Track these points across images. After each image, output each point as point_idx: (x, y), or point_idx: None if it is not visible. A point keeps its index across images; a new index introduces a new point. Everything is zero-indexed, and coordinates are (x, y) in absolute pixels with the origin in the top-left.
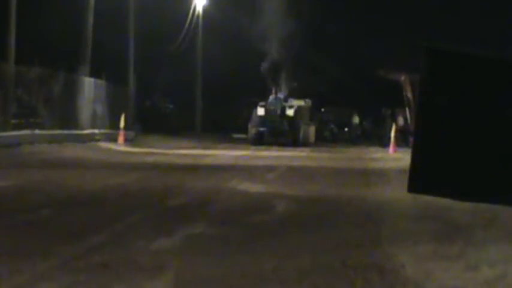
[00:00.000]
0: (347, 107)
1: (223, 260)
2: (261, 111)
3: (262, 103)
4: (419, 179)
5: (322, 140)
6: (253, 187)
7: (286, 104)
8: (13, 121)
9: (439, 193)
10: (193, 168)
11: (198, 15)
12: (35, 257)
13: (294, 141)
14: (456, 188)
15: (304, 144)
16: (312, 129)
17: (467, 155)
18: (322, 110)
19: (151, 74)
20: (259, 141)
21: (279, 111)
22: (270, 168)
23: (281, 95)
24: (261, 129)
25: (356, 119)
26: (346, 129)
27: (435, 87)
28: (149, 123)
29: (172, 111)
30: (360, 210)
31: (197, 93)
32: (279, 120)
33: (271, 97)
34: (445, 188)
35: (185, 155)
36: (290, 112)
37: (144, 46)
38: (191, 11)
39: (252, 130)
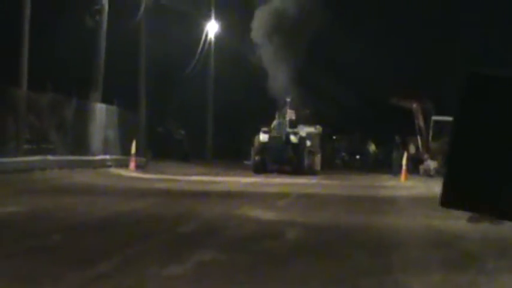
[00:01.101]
0: (359, 135)
1: (233, 286)
2: (263, 137)
3: (265, 129)
4: (452, 192)
5: (333, 168)
6: (264, 214)
7: (291, 130)
8: (25, 146)
9: (474, 209)
10: (204, 195)
11: (209, 42)
12: (44, 283)
13: (298, 169)
14: (491, 205)
15: (310, 172)
16: (318, 157)
17: (504, 173)
18: (334, 137)
19: (163, 100)
20: (262, 168)
21: (283, 138)
22: (281, 195)
23: (288, 120)
24: (264, 156)
25: (372, 147)
26: (357, 156)
27: (474, 110)
28: (161, 149)
29: (184, 137)
30: (371, 238)
31: (209, 119)
32: (283, 147)
33: (275, 122)
34: (479, 204)
35: (196, 182)
36: (294, 139)
37: (156, 72)
38: (203, 37)
39: (255, 157)
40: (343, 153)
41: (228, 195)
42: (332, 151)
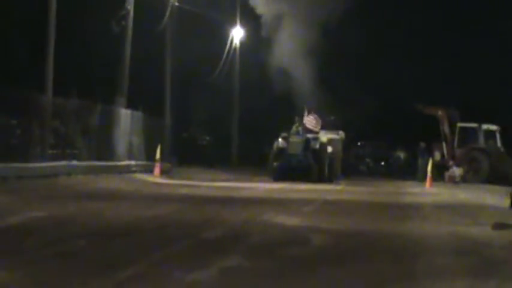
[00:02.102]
0: (384, 141)
1: None
2: (282, 143)
3: (284, 134)
4: None
5: (358, 174)
6: (289, 220)
7: (311, 136)
8: (50, 152)
9: None
10: (229, 201)
11: (235, 48)
12: None
13: (319, 177)
14: None
15: (331, 180)
16: (339, 164)
17: None
18: (359, 143)
19: (188, 105)
20: (281, 176)
21: (302, 144)
22: (306, 202)
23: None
24: (283, 163)
25: (401, 153)
26: (382, 163)
27: None
28: (185, 155)
29: (208, 143)
30: (397, 245)
31: (233, 125)
32: (303, 153)
33: (294, 127)
34: None
35: (221, 187)
36: (315, 145)
37: (181, 78)
38: (228, 43)
39: (273, 164)
40: (368, 160)
41: (252, 201)
42: (357, 157)
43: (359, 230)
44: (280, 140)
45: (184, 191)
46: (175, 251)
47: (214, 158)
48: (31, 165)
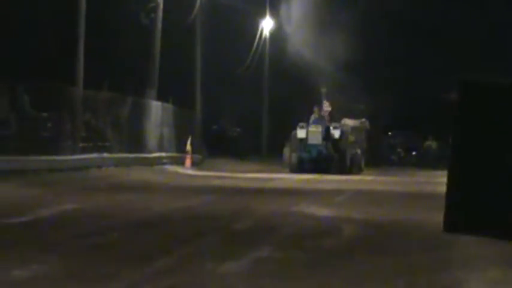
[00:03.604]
0: (415, 131)
1: (291, 284)
2: (301, 133)
3: (302, 124)
4: (456, 216)
5: (389, 164)
6: (321, 211)
7: (332, 125)
8: (81, 145)
9: (478, 232)
10: (260, 192)
11: (264, 39)
12: (103, 281)
13: (340, 168)
14: (496, 226)
15: (353, 170)
16: (362, 153)
17: (506, 191)
18: (390, 133)
19: (219, 97)
20: (299, 168)
21: (322, 133)
22: (337, 192)
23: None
24: (301, 154)
25: (432, 143)
26: (413, 152)
27: (473, 120)
28: (216, 146)
29: (239, 135)
30: (429, 234)
31: (264, 116)
32: (323, 143)
33: (313, 117)
34: (484, 226)
35: (252, 179)
36: (336, 134)
37: (211, 69)
38: (258, 34)
39: (292, 155)
40: (399, 150)
41: (283, 192)
42: (388, 147)
43: (391, 220)
44: (298, 129)
45: (215, 182)
46: (207, 243)
47: (245, 149)
48: (62, 158)
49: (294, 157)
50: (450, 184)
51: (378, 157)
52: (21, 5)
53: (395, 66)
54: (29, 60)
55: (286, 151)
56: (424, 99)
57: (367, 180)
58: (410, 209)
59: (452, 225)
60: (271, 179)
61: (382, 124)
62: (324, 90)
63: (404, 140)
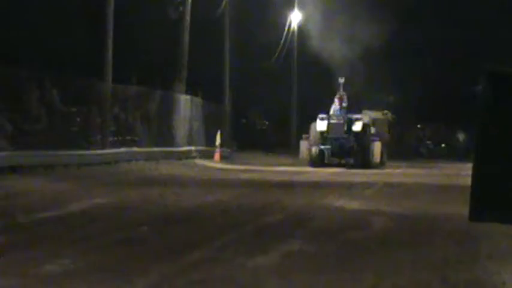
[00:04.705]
0: (445, 124)
1: (321, 277)
2: (321, 125)
3: (322, 115)
4: (481, 206)
5: (418, 157)
6: (350, 204)
7: (354, 117)
8: (110, 139)
9: (504, 220)
10: (290, 185)
11: (293, 32)
12: (134, 274)
13: (363, 161)
14: None
15: (375, 164)
16: (378, 147)
17: None
18: (419, 126)
19: (247, 91)
20: (320, 161)
21: (344, 126)
22: (366, 185)
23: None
24: (322, 147)
25: (462, 135)
26: (443, 145)
27: (497, 112)
28: (245, 140)
29: (267, 128)
30: (459, 227)
31: (292, 110)
32: (344, 136)
33: (334, 107)
34: (509, 215)
35: (281, 172)
36: (357, 126)
37: (240, 63)
38: (286, 27)
39: (312, 148)
40: (428, 142)
41: (313, 185)
42: (417, 140)
43: (420, 212)
44: (318, 121)
45: (244, 176)
46: (237, 236)
47: (274, 142)
48: (92, 152)
49: (315, 150)
50: (475, 175)
51: (406, 149)
52: (50, 1)
53: (425, 58)
54: (58, 55)
55: (303, 144)
56: (454, 91)
57: (396, 172)
58: (440, 201)
59: (477, 214)
60: (300, 172)
61: (411, 116)
62: (342, 80)
63: (433, 132)
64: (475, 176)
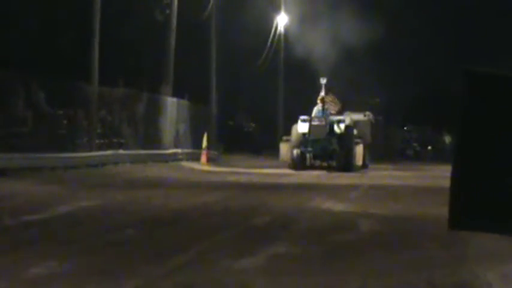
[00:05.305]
0: (431, 126)
1: (308, 279)
2: (303, 127)
3: (304, 117)
4: (461, 213)
5: (404, 159)
6: (337, 206)
7: (335, 119)
8: (97, 141)
9: (484, 228)
10: (276, 187)
11: (279, 34)
12: (120, 277)
13: (346, 165)
14: (503, 222)
15: (358, 167)
16: (360, 149)
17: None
18: (405, 128)
19: (234, 93)
20: (301, 164)
21: (326, 128)
22: (352, 187)
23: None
24: (304, 149)
25: (447, 137)
26: (429, 147)
27: (478, 113)
28: (232, 142)
29: (254, 130)
30: (445, 229)
31: (279, 112)
32: (326, 138)
33: (316, 109)
34: (490, 222)
35: (268, 174)
36: (339, 128)
37: (226, 65)
38: (273, 30)
39: (293, 151)
40: (415, 144)
41: (299, 188)
42: (403, 142)
43: (406, 215)
44: (300, 123)
45: (231, 178)
46: (224, 239)
47: (261, 144)
48: (78, 155)
49: (296, 153)
50: (454, 181)
51: (393, 151)
52: (37, 3)
53: (413, 60)
54: (44, 58)
55: (284, 146)
56: (441, 93)
57: (382, 175)
58: (426, 204)
59: (456, 222)
60: (286, 175)
61: (397, 118)
62: (324, 81)
63: (420, 134)
64: (453, 182)
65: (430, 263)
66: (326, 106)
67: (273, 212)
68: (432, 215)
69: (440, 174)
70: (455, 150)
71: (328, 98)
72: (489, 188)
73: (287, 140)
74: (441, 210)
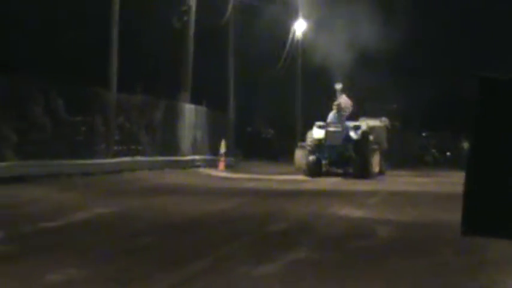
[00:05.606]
0: (449, 132)
1: (326, 285)
2: (318, 133)
3: (319, 123)
4: (474, 219)
5: (423, 165)
6: (355, 212)
7: (351, 125)
8: (115, 148)
9: (498, 234)
10: (294, 194)
11: (297, 40)
12: (137, 284)
13: (363, 171)
14: None
15: (372, 174)
16: (377, 155)
17: None
18: (424, 134)
19: (252, 99)
20: (317, 171)
21: (342, 134)
22: (371, 193)
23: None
24: (319, 155)
25: (465, 144)
26: (448, 153)
27: (492, 119)
28: (250, 148)
29: (272, 136)
30: (463, 236)
31: (297, 118)
32: (343, 145)
33: (332, 115)
34: (503, 228)
35: (286, 181)
36: (356, 134)
37: (244, 72)
38: (290, 36)
39: (308, 157)
40: (433, 150)
41: (317, 194)
42: (422, 148)
43: (425, 221)
44: (315, 129)
45: (249, 184)
46: (242, 245)
47: (279, 151)
48: (96, 161)
49: (311, 159)
50: (468, 187)
51: (411, 158)
52: (55, 10)
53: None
54: (62, 65)
55: (299, 153)
56: (460, 99)
57: (400, 181)
58: (445, 210)
59: (470, 228)
60: (304, 181)
61: (415, 124)
62: (339, 86)
63: (438, 140)
64: (467, 187)
65: (449, 269)
66: (342, 105)
67: (291, 218)
68: (450, 221)
69: (459, 181)
70: (470, 156)
71: (342, 100)
72: (503, 193)
73: (302, 147)
74: (459, 216)
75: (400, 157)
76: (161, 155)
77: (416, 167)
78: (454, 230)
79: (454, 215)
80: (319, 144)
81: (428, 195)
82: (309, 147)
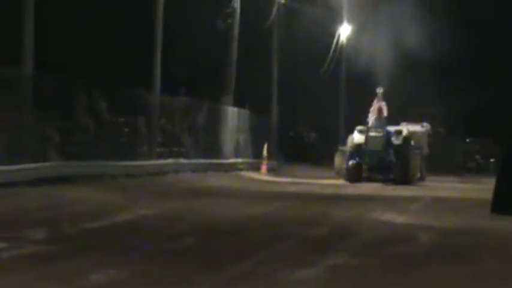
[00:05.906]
0: (495, 138)
1: None
2: (359, 137)
3: (360, 128)
4: (505, 200)
5: (467, 171)
6: (397, 218)
7: (393, 129)
8: (158, 150)
9: None
10: (336, 198)
11: (342, 45)
12: (179, 285)
13: (404, 177)
14: None
15: (414, 180)
16: (418, 161)
17: None
18: (467, 140)
19: (295, 103)
20: (356, 176)
21: (383, 139)
22: (413, 199)
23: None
24: (359, 161)
25: None
26: (492, 160)
27: None
28: (292, 152)
29: (315, 140)
30: (506, 243)
31: (340, 122)
32: (383, 150)
33: (373, 118)
34: None
35: (328, 185)
36: (397, 139)
37: (288, 76)
38: (335, 40)
39: (348, 162)
40: (477, 157)
41: (359, 199)
42: (465, 154)
43: (467, 228)
44: (356, 133)
45: (291, 188)
46: (282, 249)
47: (321, 155)
48: (139, 163)
49: (351, 164)
50: (502, 170)
51: (454, 164)
52: (99, 13)
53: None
54: (106, 66)
55: (338, 157)
56: (504, 103)
57: (443, 187)
58: (487, 217)
59: (499, 207)
60: (346, 186)
61: (459, 130)
62: (380, 91)
63: (482, 147)
64: (501, 172)
65: (492, 276)
66: (383, 109)
67: (332, 223)
68: (493, 228)
69: None
70: (506, 147)
71: (382, 104)
72: None
73: (342, 151)
74: (502, 223)
75: (443, 163)
76: (204, 157)
77: (460, 173)
78: (497, 237)
79: (497, 222)
80: (359, 149)
81: (471, 202)
82: (348, 152)
